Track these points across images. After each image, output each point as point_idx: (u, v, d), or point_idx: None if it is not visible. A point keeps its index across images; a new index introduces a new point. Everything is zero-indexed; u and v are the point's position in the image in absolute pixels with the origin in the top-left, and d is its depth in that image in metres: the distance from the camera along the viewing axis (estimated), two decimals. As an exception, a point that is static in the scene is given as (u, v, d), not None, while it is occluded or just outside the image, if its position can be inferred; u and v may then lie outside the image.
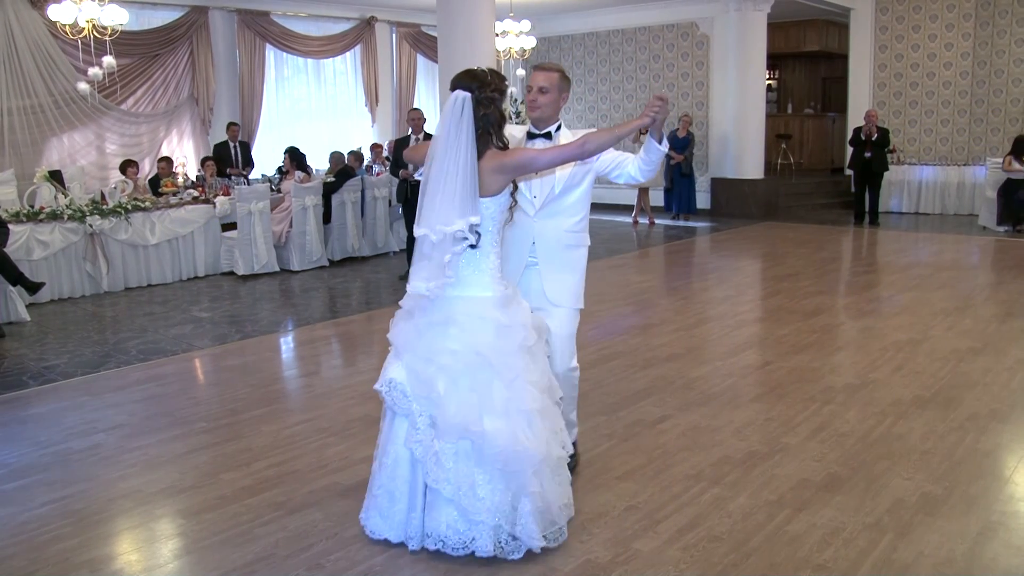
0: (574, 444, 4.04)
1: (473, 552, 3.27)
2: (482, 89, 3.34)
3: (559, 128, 3.88)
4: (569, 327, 3.95)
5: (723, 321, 7.34)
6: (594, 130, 3.60)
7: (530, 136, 3.87)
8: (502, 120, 3.46)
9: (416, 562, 3.31)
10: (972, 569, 3.23)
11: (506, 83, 3.50)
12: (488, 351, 3.28)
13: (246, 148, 12.38)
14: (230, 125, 12.34)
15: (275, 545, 3.47)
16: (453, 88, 3.37)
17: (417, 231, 3.35)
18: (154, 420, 5.07)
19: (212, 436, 4.77)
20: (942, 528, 3.52)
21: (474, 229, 3.32)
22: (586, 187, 3.92)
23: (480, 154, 3.33)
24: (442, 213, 3.26)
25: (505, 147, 3.44)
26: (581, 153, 3.46)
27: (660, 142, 3.60)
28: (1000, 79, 14.28)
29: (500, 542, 3.28)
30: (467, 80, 3.37)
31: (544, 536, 3.29)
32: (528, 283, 3.92)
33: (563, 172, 3.82)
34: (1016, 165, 11.96)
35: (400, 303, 3.57)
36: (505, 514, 3.27)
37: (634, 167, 3.79)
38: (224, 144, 11.98)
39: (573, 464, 3.94)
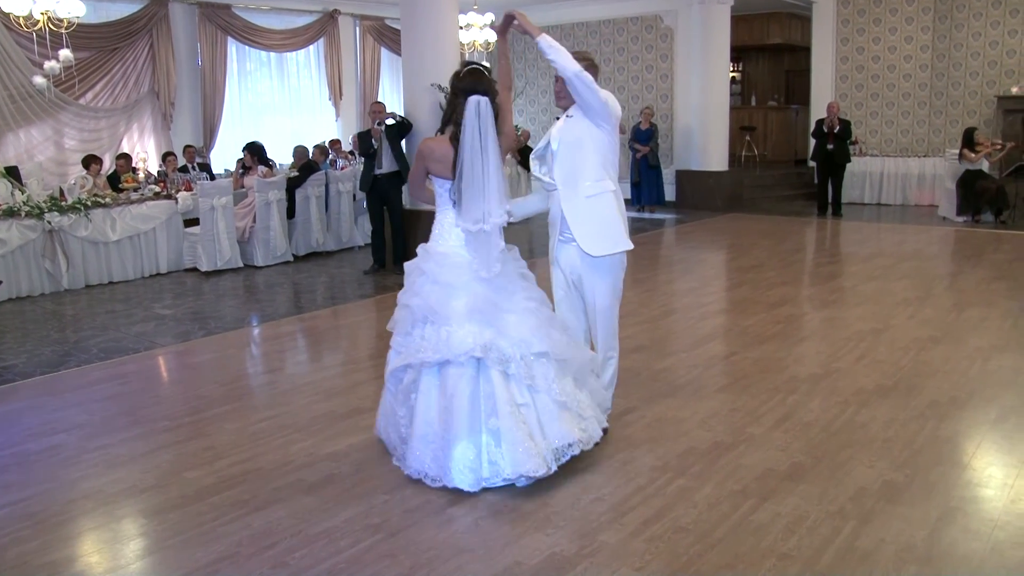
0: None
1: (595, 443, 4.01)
2: (491, 88, 3.80)
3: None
4: (608, 297, 4.31)
5: (688, 312, 7.39)
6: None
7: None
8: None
9: (380, 557, 3.29)
10: (932, 554, 3.28)
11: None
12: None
13: (207, 169, 12.06)
14: (186, 148, 12.01)
15: (239, 544, 3.44)
16: (465, 92, 3.80)
17: (470, 225, 3.89)
18: (116, 419, 5.00)
19: (175, 435, 4.71)
20: (903, 515, 3.57)
21: (509, 214, 3.97)
22: (592, 143, 4.15)
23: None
24: (490, 208, 3.87)
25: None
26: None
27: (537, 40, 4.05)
28: (958, 72, 14.50)
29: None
30: (479, 82, 3.81)
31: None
32: (566, 253, 4.30)
33: (555, 130, 4.24)
34: (971, 155, 12.16)
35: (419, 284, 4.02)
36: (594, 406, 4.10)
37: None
38: (184, 169, 11.61)
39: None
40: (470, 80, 3.84)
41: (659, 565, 3.21)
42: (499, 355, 3.84)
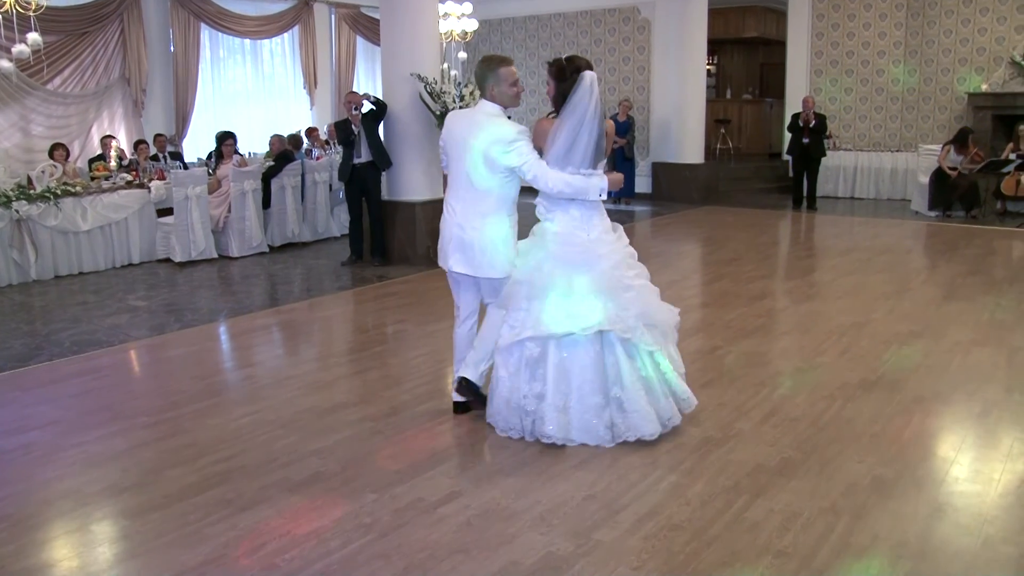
0: None
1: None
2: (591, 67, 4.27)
3: None
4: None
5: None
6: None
7: None
8: None
9: (373, 558, 3.23)
10: (926, 550, 3.28)
11: None
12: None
13: (179, 158, 11.85)
14: (157, 137, 11.75)
15: (226, 545, 3.35)
16: (575, 70, 4.20)
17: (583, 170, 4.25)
18: (92, 415, 4.87)
19: (154, 431, 4.60)
20: (895, 510, 3.57)
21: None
22: None
23: None
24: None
25: None
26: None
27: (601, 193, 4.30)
28: (930, 68, 14.63)
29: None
30: (583, 63, 4.25)
31: None
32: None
33: None
34: (952, 156, 12.27)
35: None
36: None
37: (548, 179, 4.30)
38: (155, 158, 11.36)
39: None
40: (576, 61, 4.29)
41: (656, 563, 3.18)
42: (624, 326, 4.20)
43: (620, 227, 4.51)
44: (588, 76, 4.19)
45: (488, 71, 4.36)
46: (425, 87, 8.96)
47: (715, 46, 18.64)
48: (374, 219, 9.37)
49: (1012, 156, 11.97)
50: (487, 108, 4.38)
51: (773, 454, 4.15)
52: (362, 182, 9.24)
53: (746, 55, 19.91)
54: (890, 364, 5.55)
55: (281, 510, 3.63)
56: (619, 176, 4.47)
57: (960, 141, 12.36)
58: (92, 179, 9.60)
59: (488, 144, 4.23)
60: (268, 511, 3.62)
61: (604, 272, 4.25)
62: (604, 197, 4.31)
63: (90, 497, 3.83)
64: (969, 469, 3.98)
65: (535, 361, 4.25)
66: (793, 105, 14.71)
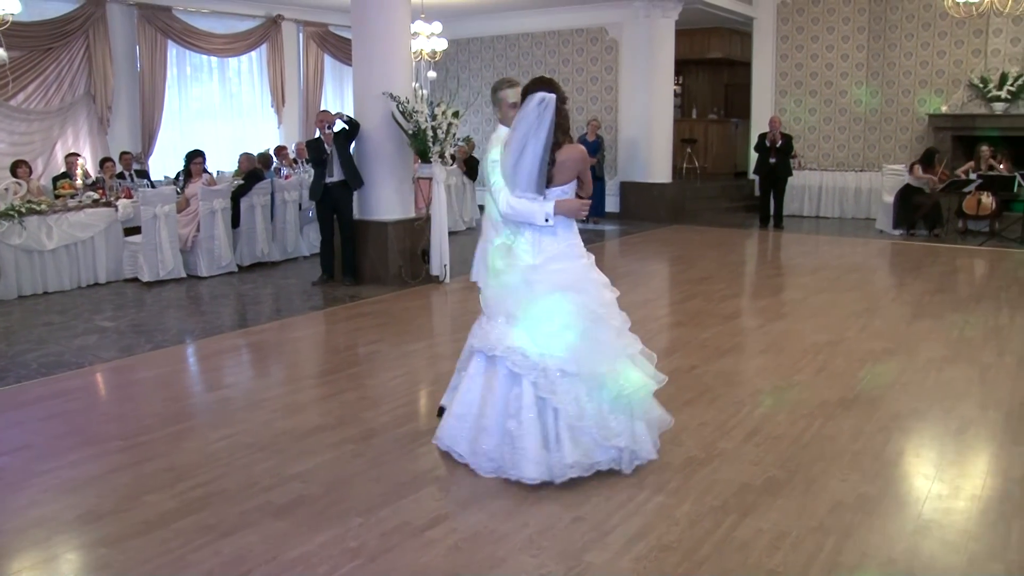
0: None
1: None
2: (559, 94, 4.00)
3: None
4: None
5: (645, 325, 7.37)
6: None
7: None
8: (566, 122, 4.11)
9: (363, 584, 3.18)
10: (914, 568, 3.30)
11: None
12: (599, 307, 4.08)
13: (145, 176, 11.68)
14: (123, 154, 11.56)
15: (210, 572, 3.27)
16: (532, 91, 3.97)
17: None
18: (63, 439, 4.75)
19: (129, 455, 4.49)
20: (881, 528, 3.60)
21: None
22: None
23: (558, 145, 4.04)
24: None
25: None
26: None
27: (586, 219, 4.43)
28: (892, 89, 14.95)
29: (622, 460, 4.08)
30: (547, 86, 3.99)
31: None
32: None
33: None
34: (921, 173, 12.52)
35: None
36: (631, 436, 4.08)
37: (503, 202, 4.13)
38: (120, 176, 11.19)
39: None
40: (540, 84, 4.05)
41: (649, 586, 3.17)
42: (522, 360, 3.99)
43: (584, 258, 4.23)
44: (536, 97, 3.94)
45: (493, 95, 4.58)
46: (397, 106, 8.93)
47: (680, 66, 18.81)
48: (346, 238, 9.30)
49: (973, 176, 12.25)
50: (499, 130, 4.50)
51: (758, 473, 4.16)
52: (334, 201, 9.17)
53: (711, 75, 20.17)
54: (866, 382, 5.61)
55: (265, 535, 3.56)
56: (578, 202, 4.15)
57: (926, 162, 12.62)
58: (57, 197, 9.42)
59: (487, 163, 4.31)
60: (252, 536, 3.55)
61: (532, 302, 4.05)
62: (550, 223, 4.05)
63: (65, 525, 3.72)
64: (951, 486, 4.02)
65: (462, 365, 4.45)
66: (759, 125, 14.94)
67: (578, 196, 4.20)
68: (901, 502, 3.87)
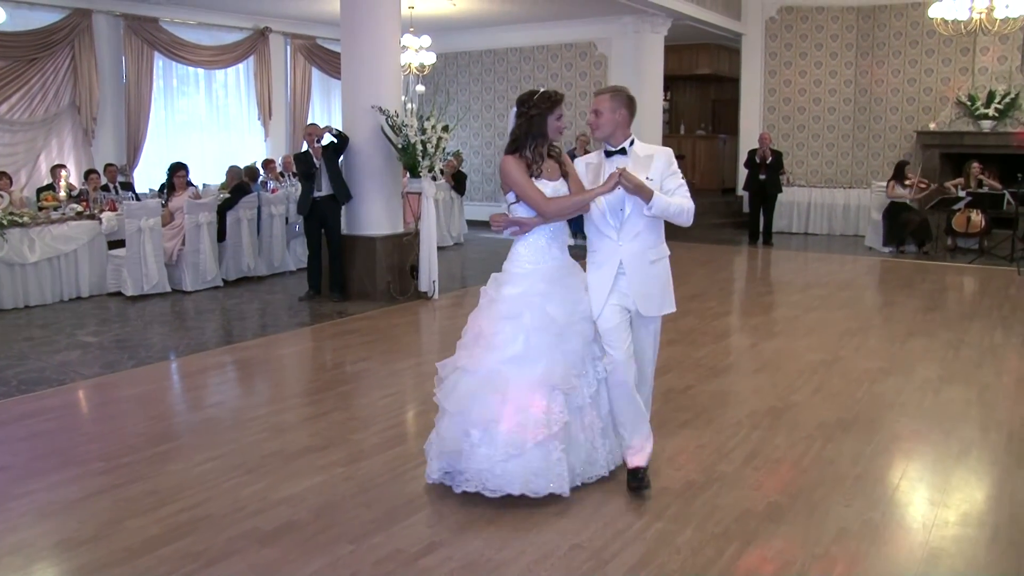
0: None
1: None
2: (522, 105, 4.05)
3: (632, 143, 4.19)
4: (656, 344, 4.49)
5: (638, 343, 7.29)
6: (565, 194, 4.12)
7: (608, 154, 4.18)
8: (536, 135, 4.06)
9: (356, 617, 3.04)
10: (923, 599, 3.21)
11: (551, 102, 4.07)
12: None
13: (130, 188, 11.53)
14: (107, 167, 11.39)
15: (195, 604, 3.14)
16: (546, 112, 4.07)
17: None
18: (42, 460, 4.59)
19: (111, 477, 4.34)
20: (889, 557, 3.50)
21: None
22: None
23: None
24: None
25: (533, 159, 4.08)
26: (542, 212, 4.05)
27: (649, 206, 4.00)
28: (879, 106, 15.01)
29: None
30: (520, 98, 4.12)
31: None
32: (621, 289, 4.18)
33: (630, 196, 4.06)
34: (899, 189, 12.52)
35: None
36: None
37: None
38: (105, 188, 11.04)
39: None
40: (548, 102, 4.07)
41: (653, 619, 3.05)
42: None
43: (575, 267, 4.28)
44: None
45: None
46: (387, 120, 8.84)
47: (668, 82, 18.81)
48: (333, 253, 9.17)
49: (962, 193, 12.26)
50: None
51: (759, 498, 4.06)
52: (322, 215, 9.05)
53: (699, 91, 20.18)
54: (864, 403, 5.53)
55: (253, 563, 3.42)
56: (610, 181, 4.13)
57: (897, 176, 12.64)
58: (40, 209, 9.25)
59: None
60: (240, 564, 3.41)
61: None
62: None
63: (43, 552, 3.57)
64: (957, 512, 3.93)
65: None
66: (747, 141, 14.93)
67: (571, 191, 4.18)
68: (907, 529, 3.78)
